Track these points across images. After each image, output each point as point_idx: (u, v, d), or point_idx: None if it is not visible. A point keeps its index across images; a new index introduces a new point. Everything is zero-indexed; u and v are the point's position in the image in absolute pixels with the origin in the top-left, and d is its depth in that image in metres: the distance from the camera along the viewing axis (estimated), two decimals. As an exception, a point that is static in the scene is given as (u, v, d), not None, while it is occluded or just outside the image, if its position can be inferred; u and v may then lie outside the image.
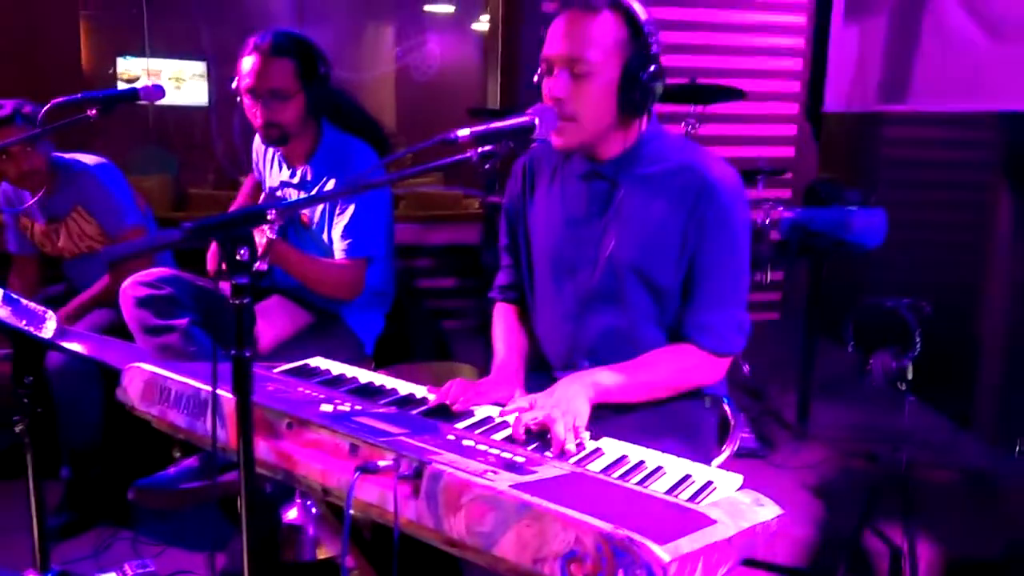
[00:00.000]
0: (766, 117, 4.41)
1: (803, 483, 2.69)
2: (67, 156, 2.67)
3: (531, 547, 0.96)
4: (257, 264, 1.12)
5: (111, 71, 6.62)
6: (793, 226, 2.78)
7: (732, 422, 1.69)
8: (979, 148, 3.99)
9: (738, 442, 1.67)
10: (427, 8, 7.20)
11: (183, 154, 6.84)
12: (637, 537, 0.90)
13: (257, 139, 2.44)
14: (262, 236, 1.87)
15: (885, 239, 2.90)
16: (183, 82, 6.83)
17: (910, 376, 2.11)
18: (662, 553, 0.90)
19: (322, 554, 2.29)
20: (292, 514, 2.37)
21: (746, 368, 3.47)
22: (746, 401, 3.34)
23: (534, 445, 1.30)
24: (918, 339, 2.07)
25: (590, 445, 1.32)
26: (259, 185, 2.56)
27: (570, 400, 1.37)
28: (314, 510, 2.38)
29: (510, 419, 1.36)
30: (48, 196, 2.62)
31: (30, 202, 2.61)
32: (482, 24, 6.50)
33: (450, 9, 7.23)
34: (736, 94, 3.01)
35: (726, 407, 1.72)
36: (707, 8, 4.20)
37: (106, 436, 2.52)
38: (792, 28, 4.34)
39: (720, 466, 1.41)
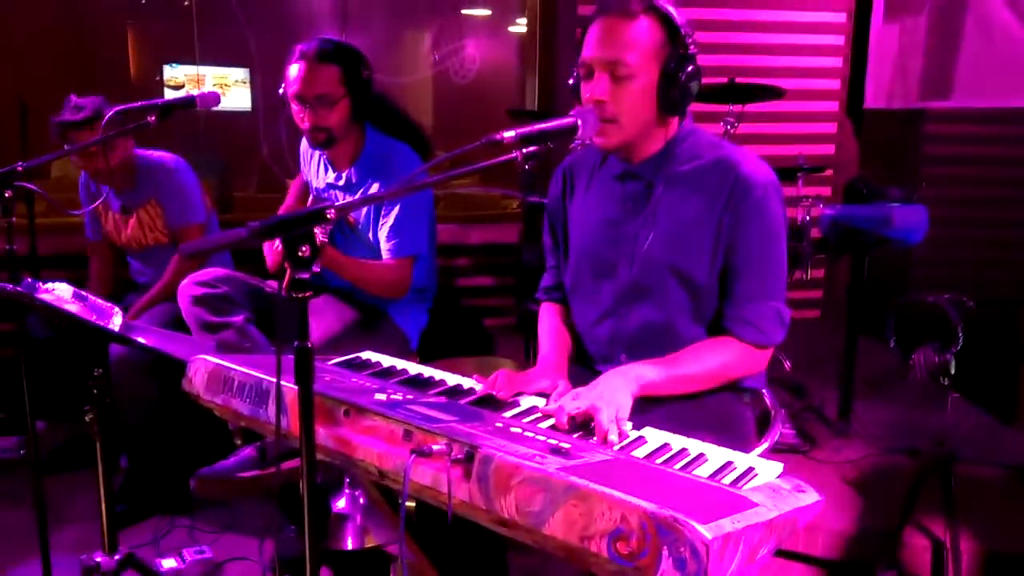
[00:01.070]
0: (807, 115, 4.39)
1: (844, 478, 2.70)
2: (147, 152, 2.83)
3: (578, 526, 1.01)
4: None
5: (157, 78, 6.82)
6: (834, 223, 2.79)
7: (772, 413, 1.72)
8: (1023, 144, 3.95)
9: (778, 434, 1.70)
10: (464, 11, 7.28)
11: (228, 158, 7.01)
12: (680, 516, 0.95)
13: (304, 142, 2.53)
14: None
15: (928, 235, 2.89)
16: (228, 88, 7.01)
17: (952, 371, 2.11)
18: (705, 531, 0.94)
19: (369, 542, 2.36)
20: (340, 504, 2.45)
21: (787, 364, 3.47)
22: (787, 397, 3.35)
23: (578, 434, 1.35)
24: (960, 333, 2.07)
25: (633, 434, 1.37)
26: (307, 186, 2.64)
27: (613, 392, 1.41)
28: (361, 500, 2.45)
29: (554, 407, 1.41)
30: (129, 190, 2.78)
31: (106, 193, 2.78)
32: (519, 26, 6.55)
33: (487, 12, 7.29)
34: (774, 93, 3.03)
35: (766, 399, 1.75)
36: (747, 8, 4.20)
37: (162, 427, 2.64)
38: (832, 26, 4.32)
39: (760, 456, 1.44)
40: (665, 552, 0.94)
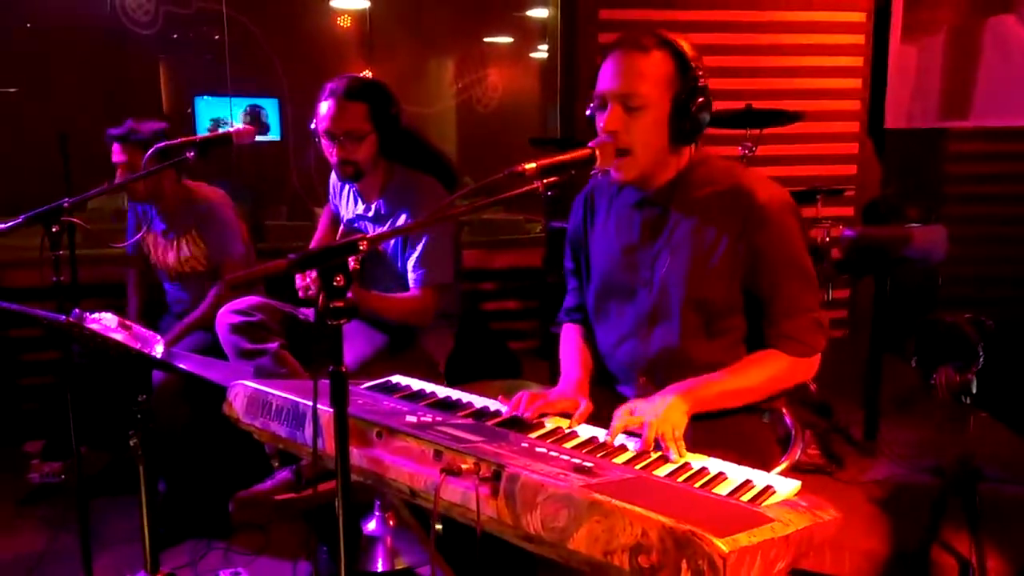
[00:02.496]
0: (828, 136, 4.42)
1: (870, 497, 2.71)
2: (195, 185, 2.98)
3: (601, 541, 1.06)
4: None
5: (189, 110, 7.00)
6: (853, 244, 2.81)
7: (793, 433, 1.75)
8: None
9: (799, 453, 1.73)
10: (487, 39, 7.40)
11: (258, 187, 7.17)
12: (699, 530, 0.99)
13: (334, 175, 2.62)
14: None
15: (955, 253, 2.90)
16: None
17: (974, 390, 2.12)
18: (722, 545, 0.98)
19: (399, 564, 2.41)
20: (371, 526, 2.50)
21: (813, 386, 3.48)
22: (813, 418, 3.35)
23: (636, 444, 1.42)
24: (981, 353, 2.09)
25: (654, 454, 1.41)
26: (336, 216, 2.73)
27: (669, 410, 1.47)
28: (391, 522, 2.51)
29: (618, 424, 1.47)
30: (171, 216, 2.93)
31: (152, 214, 2.96)
32: (541, 53, 6.66)
33: (509, 40, 7.41)
34: (791, 117, 3.07)
35: (786, 420, 1.78)
36: (767, 33, 4.25)
37: (197, 452, 2.72)
38: (852, 48, 4.36)
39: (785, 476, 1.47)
40: (684, 565, 0.99)
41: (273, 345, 2.28)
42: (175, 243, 2.97)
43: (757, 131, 3.03)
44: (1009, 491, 2.67)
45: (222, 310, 2.35)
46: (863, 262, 2.84)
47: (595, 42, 4.17)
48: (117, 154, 2.86)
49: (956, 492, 2.24)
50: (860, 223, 3.99)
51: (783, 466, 1.70)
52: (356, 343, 2.37)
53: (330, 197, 2.73)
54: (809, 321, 1.65)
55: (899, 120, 4.04)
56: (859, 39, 4.35)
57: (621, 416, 1.49)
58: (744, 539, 1.02)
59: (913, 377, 3.24)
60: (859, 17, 4.30)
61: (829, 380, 3.51)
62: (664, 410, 1.47)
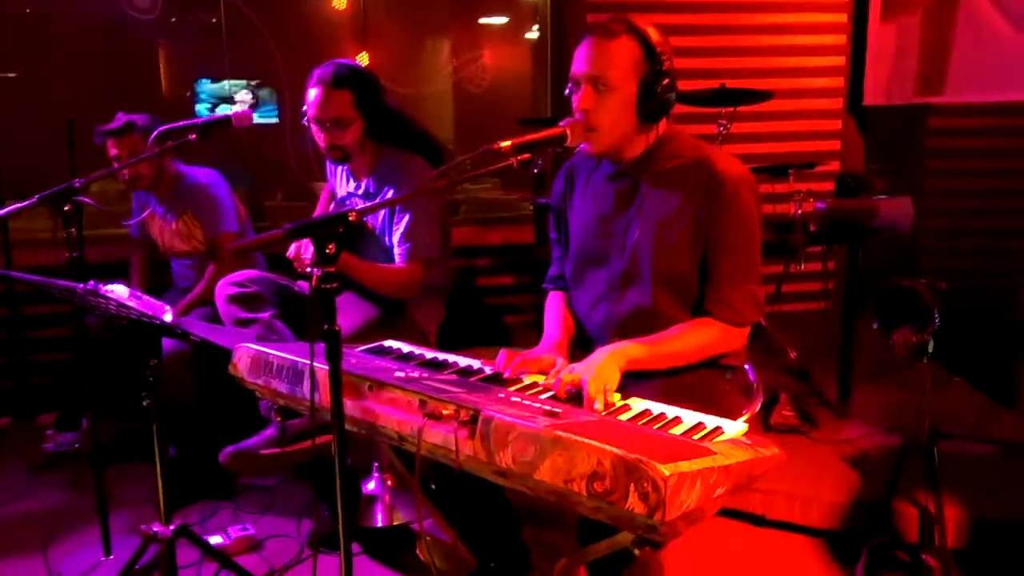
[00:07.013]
0: (811, 113, 4.54)
1: (841, 455, 2.86)
2: (188, 168, 3.15)
3: (563, 471, 1.21)
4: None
5: (188, 94, 7.11)
6: (824, 216, 2.95)
7: (754, 386, 1.90)
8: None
9: (759, 405, 1.88)
10: (482, 21, 7.49)
11: (257, 169, 7.29)
12: (644, 458, 1.14)
13: None
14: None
15: (935, 226, 3.02)
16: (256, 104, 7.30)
17: (931, 350, 2.27)
18: (664, 469, 1.13)
19: (396, 520, 2.58)
20: (370, 486, 2.66)
21: (793, 354, 3.63)
22: (791, 383, 3.50)
23: (571, 403, 1.54)
24: (936, 315, 2.23)
25: (619, 403, 1.55)
26: (333, 194, 2.88)
27: (603, 367, 1.60)
28: (388, 483, 2.67)
29: (551, 381, 1.61)
30: (169, 199, 3.11)
31: (152, 203, 3.15)
32: (535, 34, 6.75)
33: (503, 20, 7.50)
34: (763, 95, 3.17)
35: (749, 375, 1.93)
36: (752, 12, 4.36)
37: (204, 417, 2.88)
38: (834, 26, 4.46)
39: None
40: (632, 488, 1.14)
41: (265, 315, 2.44)
42: (174, 225, 3.12)
43: (731, 109, 3.14)
44: (968, 447, 2.82)
45: (221, 282, 2.52)
46: (833, 233, 2.98)
47: (584, 23, 4.28)
48: (113, 148, 2.99)
49: (917, 448, 2.39)
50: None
51: (745, 417, 1.85)
52: (349, 315, 2.52)
53: (327, 176, 2.87)
54: (746, 293, 1.77)
55: (877, 97, 4.16)
56: (841, 18, 4.46)
57: (562, 376, 1.59)
58: (685, 466, 1.16)
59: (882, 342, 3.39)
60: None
61: (813, 348, 3.67)
62: (597, 367, 1.58)
